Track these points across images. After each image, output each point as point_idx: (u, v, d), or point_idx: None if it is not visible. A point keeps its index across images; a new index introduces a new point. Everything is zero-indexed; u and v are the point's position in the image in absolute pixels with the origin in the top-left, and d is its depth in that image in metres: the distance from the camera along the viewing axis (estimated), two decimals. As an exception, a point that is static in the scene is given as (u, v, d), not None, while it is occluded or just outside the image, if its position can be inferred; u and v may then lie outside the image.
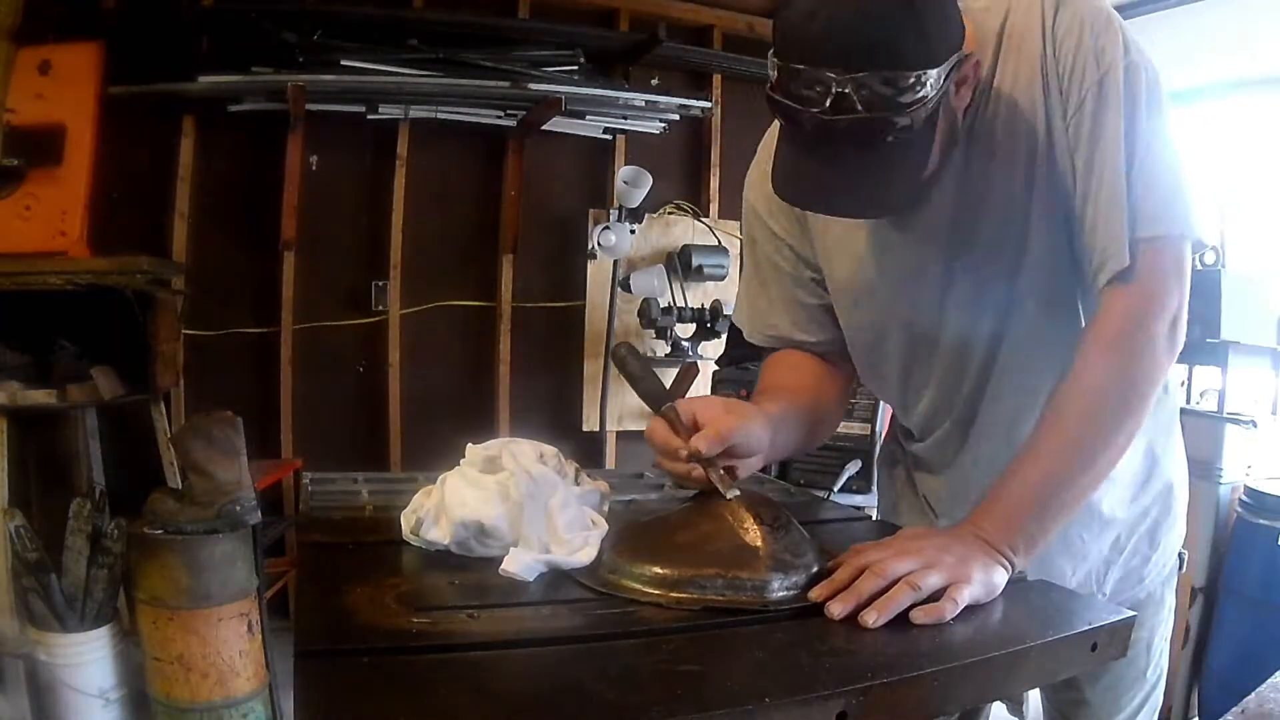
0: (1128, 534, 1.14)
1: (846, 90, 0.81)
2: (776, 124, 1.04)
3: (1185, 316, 0.95)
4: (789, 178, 0.92)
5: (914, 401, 1.15)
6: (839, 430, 3.04)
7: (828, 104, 0.82)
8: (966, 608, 0.80)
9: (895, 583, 0.79)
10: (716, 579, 0.81)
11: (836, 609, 0.77)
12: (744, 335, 1.24)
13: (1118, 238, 0.92)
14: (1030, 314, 1.03)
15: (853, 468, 2.97)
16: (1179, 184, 0.94)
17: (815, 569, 0.85)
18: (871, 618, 0.76)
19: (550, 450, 1.04)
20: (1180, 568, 1.22)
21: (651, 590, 0.82)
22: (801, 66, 0.83)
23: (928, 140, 0.88)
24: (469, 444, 1.01)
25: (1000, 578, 0.84)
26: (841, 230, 1.08)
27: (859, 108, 0.82)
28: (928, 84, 0.83)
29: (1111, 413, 0.92)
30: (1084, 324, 1.01)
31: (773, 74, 0.86)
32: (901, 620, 0.77)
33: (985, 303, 1.04)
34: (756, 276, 1.19)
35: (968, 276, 1.03)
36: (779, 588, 0.81)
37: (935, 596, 0.79)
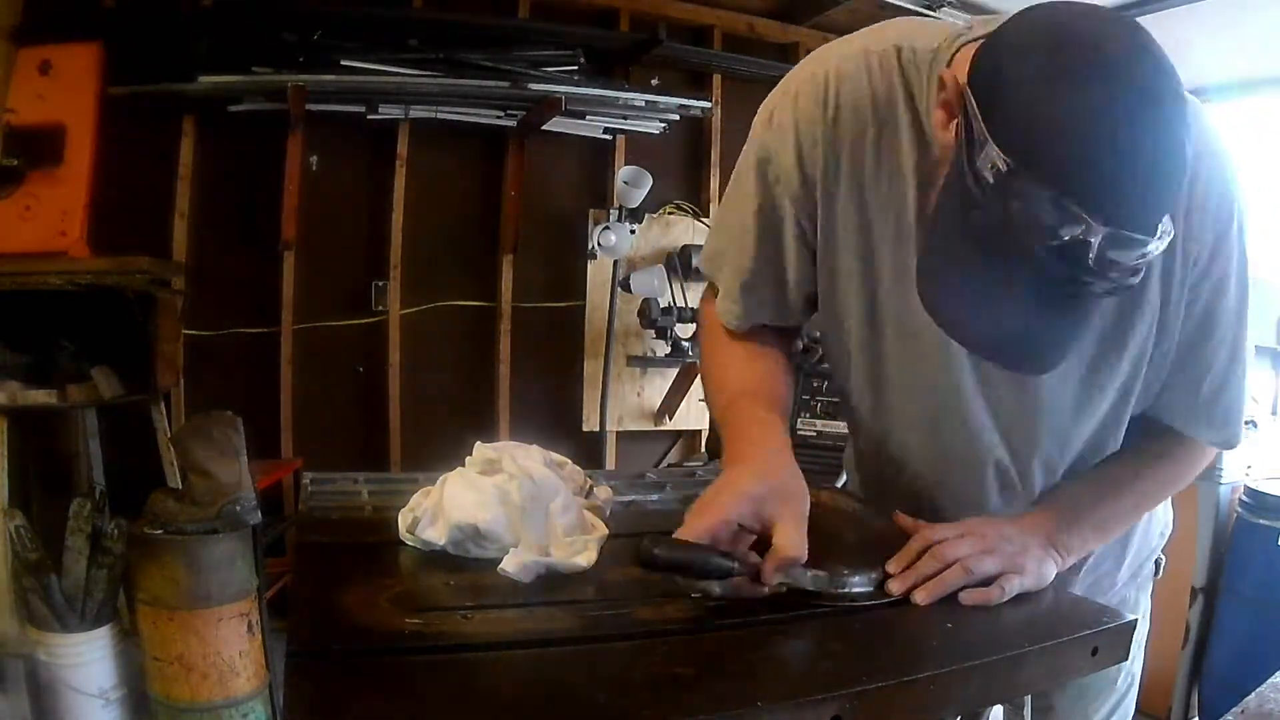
0: None
1: (1150, 252, 0.67)
2: (819, 56, 0.91)
3: None
4: (959, 307, 0.74)
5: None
6: (839, 430, 3.04)
7: (1095, 265, 0.66)
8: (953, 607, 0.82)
9: (952, 564, 0.83)
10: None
11: (895, 587, 0.82)
12: (719, 309, 1.03)
13: (1236, 422, 0.99)
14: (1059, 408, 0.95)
15: (853, 468, 2.96)
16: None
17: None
18: (921, 597, 0.81)
19: (560, 458, 1.04)
20: (1157, 573, 1.21)
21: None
22: (1115, 230, 0.64)
23: None
24: (478, 443, 1.01)
25: (1051, 571, 0.88)
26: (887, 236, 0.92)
27: (1130, 278, 0.68)
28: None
29: (1168, 492, 1.07)
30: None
31: (1041, 207, 0.65)
32: (900, 624, 0.77)
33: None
34: (757, 236, 0.98)
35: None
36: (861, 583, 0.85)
37: (987, 581, 0.84)
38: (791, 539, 0.77)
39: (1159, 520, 1.19)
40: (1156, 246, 0.67)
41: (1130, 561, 1.15)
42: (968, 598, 0.81)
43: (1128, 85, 0.64)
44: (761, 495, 0.80)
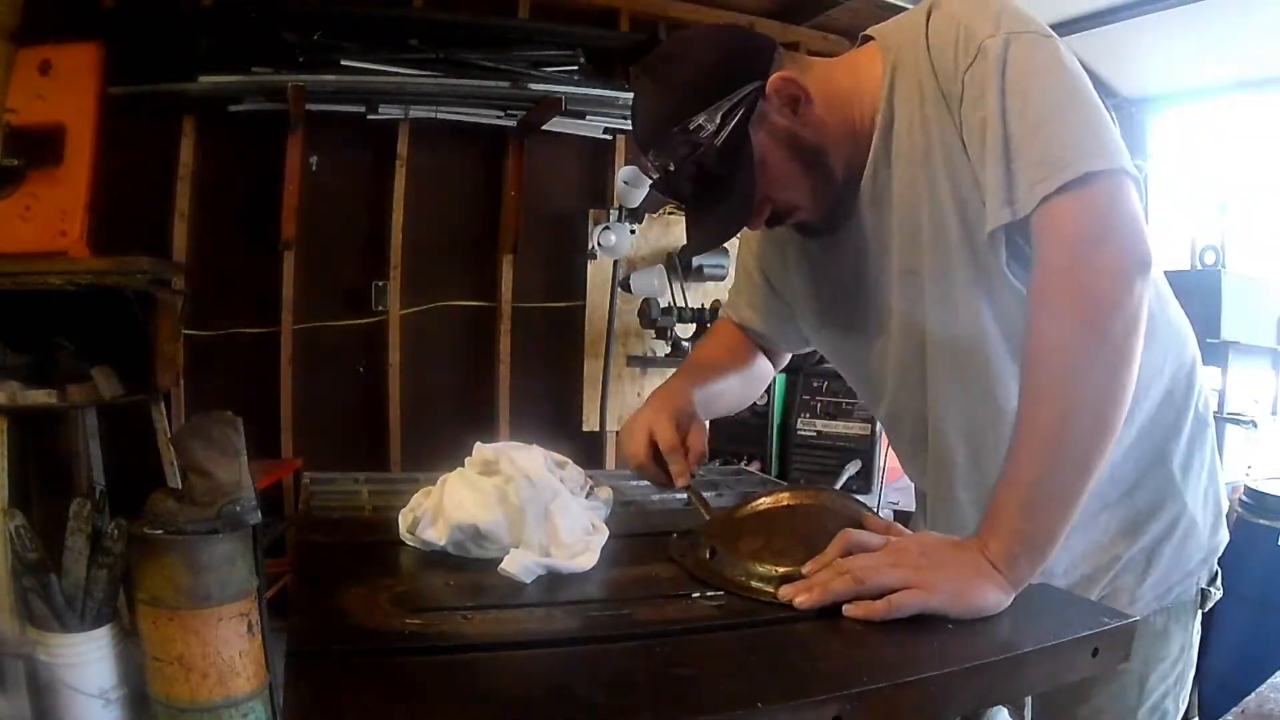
0: (1123, 539, 1.05)
1: (659, 162, 1.01)
2: None
3: (1133, 235, 0.86)
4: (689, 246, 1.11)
5: (878, 407, 1.20)
6: (839, 431, 3.05)
7: (656, 176, 1.03)
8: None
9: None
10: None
11: (784, 592, 0.82)
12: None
13: (1003, 188, 0.88)
14: (948, 312, 1.01)
15: (852, 468, 2.96)
16: (1083, 122, 0.88)
17: None
18: (800, 598, 0.80)
19: (561, 458, 1.04)
20: (1202, 605, 1.10)
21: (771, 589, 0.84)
22: (642, 154, 1.03)
23: (745, 167, 0.98)
24: (477, 443, 1.01)
25: (992, 597, 0.81)
26: (800, 267, 1.20)
27: (670, 168, 1.00)
28: (703, 125, 0.96)
29: (1072, 364, 0.84)
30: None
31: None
32: (899, 624, 0.77)
33: (919, 301, 1.03)
34: (741, 266, 1.36)
35: (902, 279, 1.04)
36: None
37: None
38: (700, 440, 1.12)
39: (1199, 542, 1.08)
40: (659, 156, 1.01)
41: (1156, 580, 1.06)
42: (851, 610, 0.78)
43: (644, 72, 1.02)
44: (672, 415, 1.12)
